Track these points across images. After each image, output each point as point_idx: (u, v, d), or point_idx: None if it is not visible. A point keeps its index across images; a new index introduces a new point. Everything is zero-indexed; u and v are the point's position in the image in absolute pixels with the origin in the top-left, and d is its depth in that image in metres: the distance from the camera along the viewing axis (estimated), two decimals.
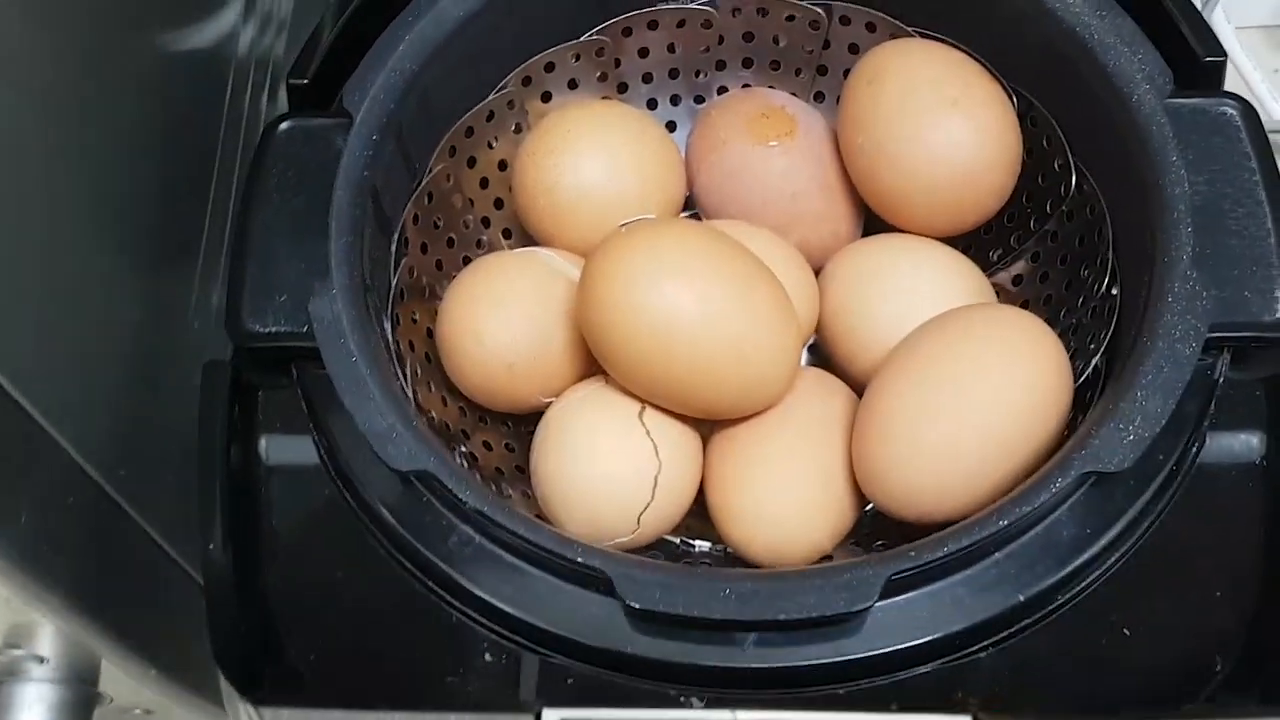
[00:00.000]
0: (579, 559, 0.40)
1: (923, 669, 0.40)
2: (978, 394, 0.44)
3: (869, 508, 0.48)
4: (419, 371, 0.49)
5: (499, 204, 0.55)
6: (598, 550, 0.41)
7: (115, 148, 0.49)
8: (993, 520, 0.40)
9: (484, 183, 0.55)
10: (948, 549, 0.39)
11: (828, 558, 0.47)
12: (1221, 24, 0.64)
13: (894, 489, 0.45)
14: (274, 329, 0.45)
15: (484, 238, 0.55)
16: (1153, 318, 0.42)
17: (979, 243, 0.53)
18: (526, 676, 0.41)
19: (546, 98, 0.55)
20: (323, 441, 0.45)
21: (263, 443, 0.45)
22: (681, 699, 0.41)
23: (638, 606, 0.39)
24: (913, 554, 0.40)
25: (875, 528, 0.48)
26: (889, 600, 0.40)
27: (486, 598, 0.42)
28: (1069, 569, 0.40)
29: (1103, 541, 0.41)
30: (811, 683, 0.41)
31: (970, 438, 0.43)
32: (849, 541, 0.48)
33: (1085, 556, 0.40)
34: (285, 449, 0.45)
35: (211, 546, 0.43)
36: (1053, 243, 0.51)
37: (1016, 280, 0.52)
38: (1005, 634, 0.41)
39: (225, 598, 0.42)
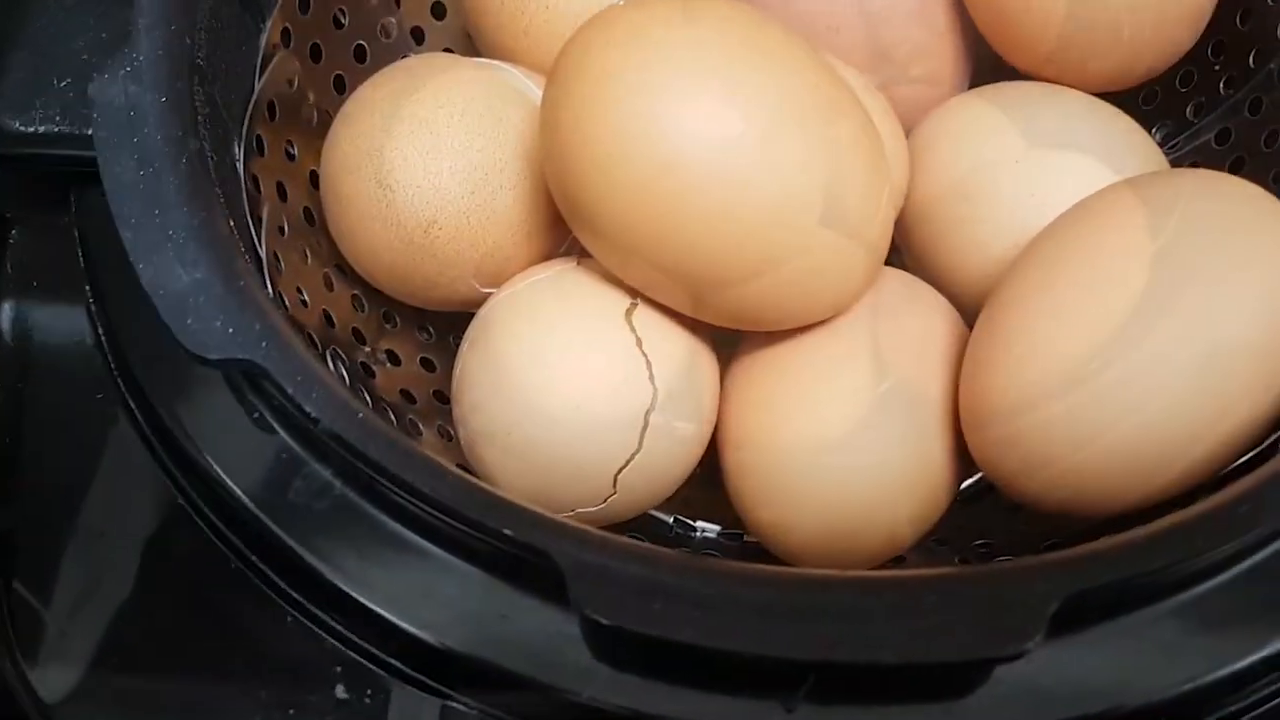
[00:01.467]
0: (507, 530, 0.25)
1: None
2: (1182, 311, 0.29)
3: (969, 483, 0.36)
4: (286, 230, 0.33)
5: (438, 11, 0.41)
6: (542, 518, 0.26)
7: None
8: (1240, 513, 0.25)
9: None
10: (1168, 556, 0.25)
11: (900, 559, 0.35)
12: None
13: (1030, 456, 0.30)
14: (44, 129, 0.35)
15: (412, 55, 0.41)
16: None
17: (1134, 115, 0.39)
18: None
19: None
20: (101, 312, 0.33)
21: (7, 307, 0.35)
22: None
23: (606, 622, 0.24)
24: (1104, 560, 0.25)
25: (973, 519, 0.36)
26: (1050, 641, 0.25)
27: (348, 590, 0.28)
28: None
29: None
30: None
31: (1165, 382, 0.29)
32: (931, 539, 0.35)
33: None
34: (45, 319, 0.35)
35: None
36: (1252, 116, 0.39)
37: None
38: (1250, 702, 0.28)
39: None
